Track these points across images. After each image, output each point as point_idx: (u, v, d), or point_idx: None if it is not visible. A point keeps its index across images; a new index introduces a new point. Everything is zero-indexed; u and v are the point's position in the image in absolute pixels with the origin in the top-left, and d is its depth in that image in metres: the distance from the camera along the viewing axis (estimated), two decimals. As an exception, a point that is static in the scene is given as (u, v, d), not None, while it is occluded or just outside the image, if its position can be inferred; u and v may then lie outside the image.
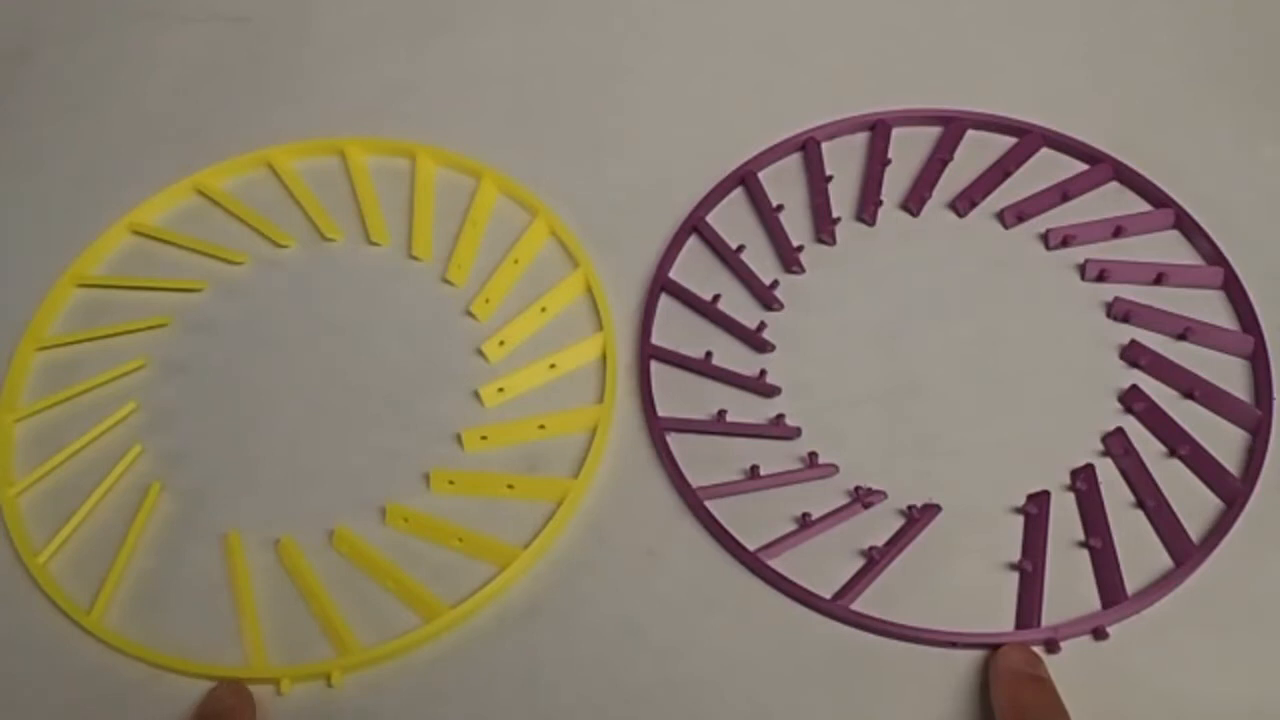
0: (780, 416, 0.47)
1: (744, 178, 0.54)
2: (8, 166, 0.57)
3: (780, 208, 0.53)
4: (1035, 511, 0.44)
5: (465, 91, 0.58)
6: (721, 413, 0.47)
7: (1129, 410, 0.47)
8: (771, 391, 0.48)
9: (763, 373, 0.48)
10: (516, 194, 0.54)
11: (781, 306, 0.50)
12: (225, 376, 0.50)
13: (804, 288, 0.51)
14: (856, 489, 0.45)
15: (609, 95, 0.58)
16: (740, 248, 0.52)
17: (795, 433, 0.47)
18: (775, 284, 0.51)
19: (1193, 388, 0.47)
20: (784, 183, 0.54)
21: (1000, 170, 0.53)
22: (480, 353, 0.50)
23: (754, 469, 0.46)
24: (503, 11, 0.61)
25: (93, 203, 0.54)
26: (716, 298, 0.51)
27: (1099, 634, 0.41)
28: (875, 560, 0.43)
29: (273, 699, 0.42)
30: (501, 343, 0.50)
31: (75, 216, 0.54)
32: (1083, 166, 0.53)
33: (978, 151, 0.54)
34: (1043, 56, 0.58)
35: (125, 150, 0.57)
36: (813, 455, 0.46)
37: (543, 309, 0.50)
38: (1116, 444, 0.46)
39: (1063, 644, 0.41)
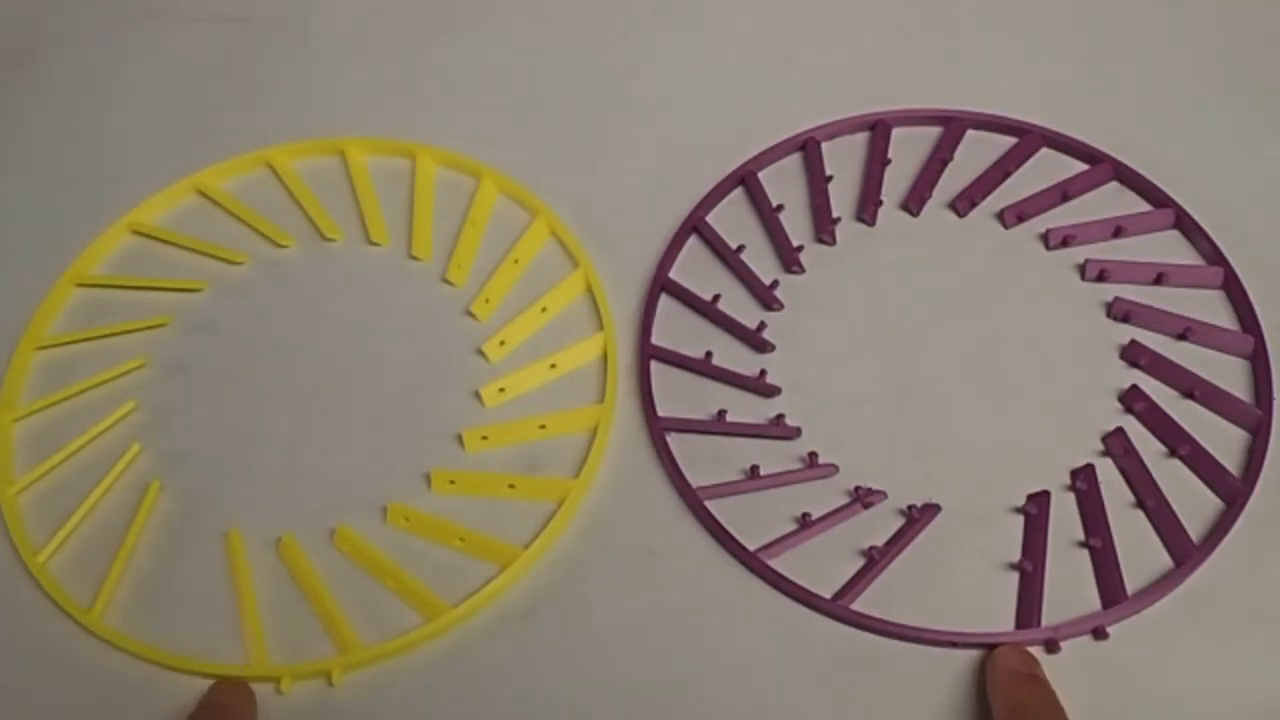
0: (780, 416, 0.47)
1: (744, 178, 0.54)
2: (8, 166, 0.57)
3: (780, 208, 0.53)
4: (1035, 511, 0.44)
5: (465, 91, 0.58)
6: (721, 413, 0.47)
7: (1129, 410, 0.47)
8: (771, 391, 0.48)
9: (763, 373, 0.48)
10: (516, 194, 0.54)
11: (781, 306, 0.50)
12: (225, 376, 0.50)
13: (804, 288, 0.51)
14: (856, 489, 0.45)
15: (609, 95, 0.58)
16: (740, 248, 0.52)
17: (795, 433, 0.47)
18: (775, 284, 0.51)
19: (1193, 388, 0.47)
20: (784, 183, 0.54)
21: (1000, 170, 0.53)
22: (481, 353, 0.50)
23: (754, 469, 0.46)
24: (503, 12, 0.61)
25: (93, 203, 0.54)
26: (716, 298, 0.51)
27: (1099, 634, 0.41)
28: (875, 560, 0.43)
29: (273, 697, 0.42)
30: (502, 343, 0.50)
31: (75, 216, 0.54)
32: (1083, 166, 0.53)
33: (978, 151, 0.54)
34: (1043, 56, 0.58)
35: (125, 150, 0.57)
36: (813, 455, 0.46)
37: (543, 309, 0.50)
38: (1116, 444, 0.46)
39: (1063, 644, 0.41)
